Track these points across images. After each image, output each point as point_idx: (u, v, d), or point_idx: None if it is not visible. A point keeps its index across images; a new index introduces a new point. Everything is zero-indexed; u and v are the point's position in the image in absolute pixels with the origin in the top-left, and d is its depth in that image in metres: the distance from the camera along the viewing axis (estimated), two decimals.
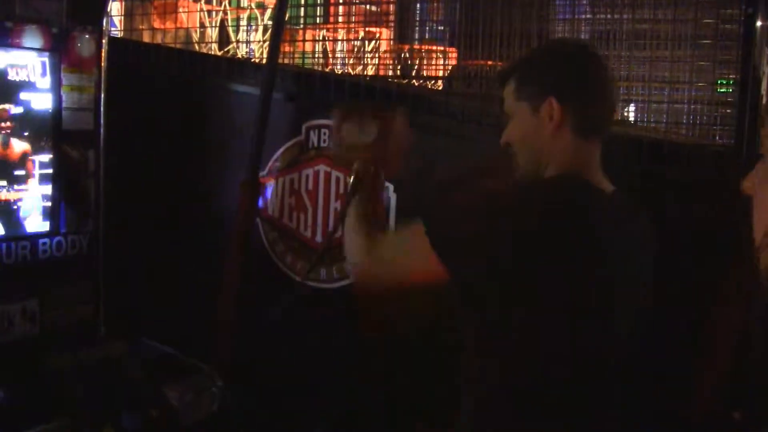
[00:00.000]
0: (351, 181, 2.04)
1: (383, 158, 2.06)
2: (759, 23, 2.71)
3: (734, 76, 3.12)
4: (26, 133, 2.95)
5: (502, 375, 1.73)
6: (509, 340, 1.69)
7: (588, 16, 4.18)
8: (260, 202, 3.60)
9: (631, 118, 3.97)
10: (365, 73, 5.09)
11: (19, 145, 2.93)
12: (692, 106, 3.39)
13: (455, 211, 1.75)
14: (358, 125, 2.04)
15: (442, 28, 4.89)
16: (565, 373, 1.71)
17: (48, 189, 3.03)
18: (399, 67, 5.05)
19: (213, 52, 5.00)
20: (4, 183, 2.90)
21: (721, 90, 3.34)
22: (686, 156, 2.88)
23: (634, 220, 1.85)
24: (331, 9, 5.02)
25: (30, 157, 2.97)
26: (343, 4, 4.87)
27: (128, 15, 4.74)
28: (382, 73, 5.06)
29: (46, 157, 3.02)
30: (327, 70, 4.69)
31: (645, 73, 3.60)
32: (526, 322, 1.67)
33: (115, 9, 4.58)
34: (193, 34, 5.38)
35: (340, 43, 5.11)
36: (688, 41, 3.43)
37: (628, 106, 4.04)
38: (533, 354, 1.69)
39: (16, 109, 2.91)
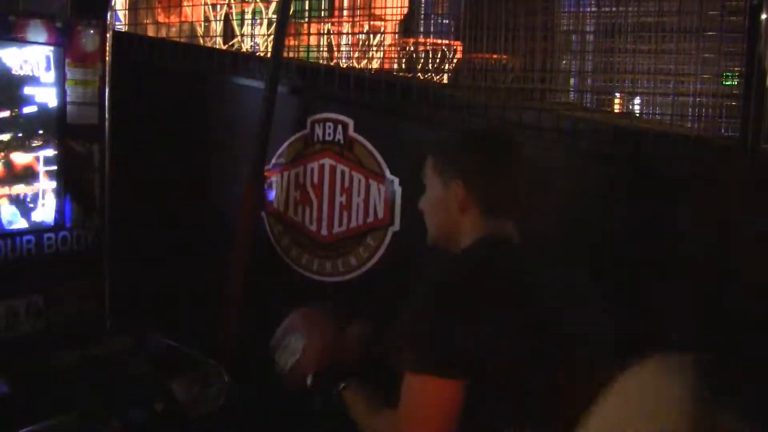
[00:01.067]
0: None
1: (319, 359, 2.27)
2: (764, 15, 2.69)
3: (740, 69, 3.10)
4: (30, 128, 2.95)
5: None
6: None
7: (593, 8, 4.17)
8: (265, 196, 3.60)
9: (637, 111, 3.96)
10: (370, 66, 5.09)
11: (23, 140, 2.93)
12: (697, 99, 3.38)
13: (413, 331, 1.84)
14: (291, 339, 2.31)
15: (447, 21, 4.87)
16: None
17: (53, 184, 3.04)
18: (404, 61, 5.04)
19: (217, 46, 4.99)
20: (8, 178, 2.90)
21: (727, 83, 3.33)
22: (691, 149, 2.86)
23: (529, 263, 2.00)
24: (336, 2, 5.02)
25: (34, 152, 2.97)
26: None
27: (132, 9, 4.75)
28: (387, 66, 5.06)
29: (50, 152, 3.02)
30: (332, 63, 4.68)
31: (650, 66, 3.59)
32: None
33: (120, 3, 4.59)
34: (198, 28, 5.38)
35: (344, 36, 5.10)
36: (693, 33, 3.41)
37: (633, 98, 4.03)
38: None
39: (20, 104, 2.91)
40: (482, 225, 1.97)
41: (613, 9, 3.96)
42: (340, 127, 3.43)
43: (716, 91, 3.31)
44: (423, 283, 1.88)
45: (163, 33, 4.68)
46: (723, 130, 3.34)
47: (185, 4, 5.42)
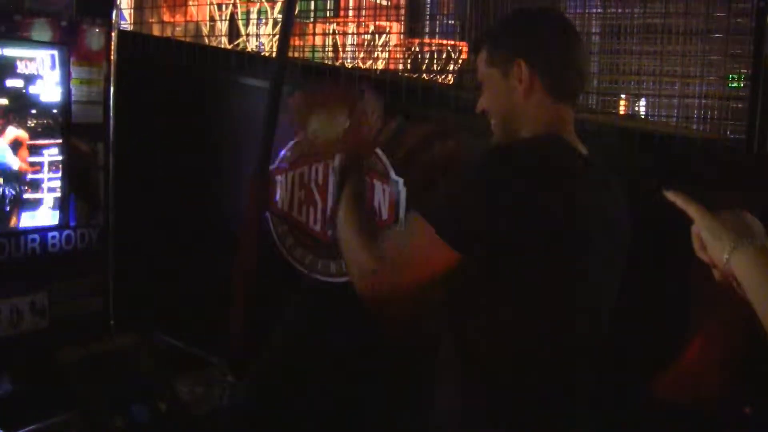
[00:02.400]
0: (335, 176, 1.97)
1: (361, 144, 2.01)
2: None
3: (746, 71, 3.10)
4: (35, 127, 2.95)
5: (499, 341, 1.73)
6: (511, 304, 1.70)
7: (599, 10, 4.16)
8: (270, 196, 3.60)
9: (642, 113, 3.95)
10: (375, 67, 5.09)
11: (28, 139, 2.93)
12: (703, 101, 3.38)
13: (448, 188, 1.76)
14: (327, 115, 1.97)
15: (453, 22, 4.87)
16: (558, 336, 1.73)
17: (57, 182, 3.04)
18: (409, 62, 5.04)
19: (223, 46, 5.00)
20: (13, 176, 2.90)
21: (733, 84, 3.32)
22: (697, 151, 2.86)
23: (609, 185, 1.87)
24: (342, 3, 5.02)
25: (39, 151, 2.97)
26: None
27: (138, 8, 4.75)
28: (392, 67, 5.05)
29: (55, 151, 3.02)
30: (337, 64, 4.68)
31: (656, 68, 3.59)
32: (525, 282, 1.68)
33: (125, 2, 4.59)
34: (203, 28, 5.38)
35: (350, 37, 5.10)
36: (699, 35, 3.41)
37: (639, 100, 4.03)
38: (533, 314, 1.70)
39: (25, 103, 2.91)
40: (547, 112, 1.84)
41: (619, 11, 3.95)
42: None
43: (722, 93, 3.30)
44: (477, 158, 1.75)
45: (168, 32, 4.68)
46: (728, 133, 3.33)
47: (191, 3, 5.43)
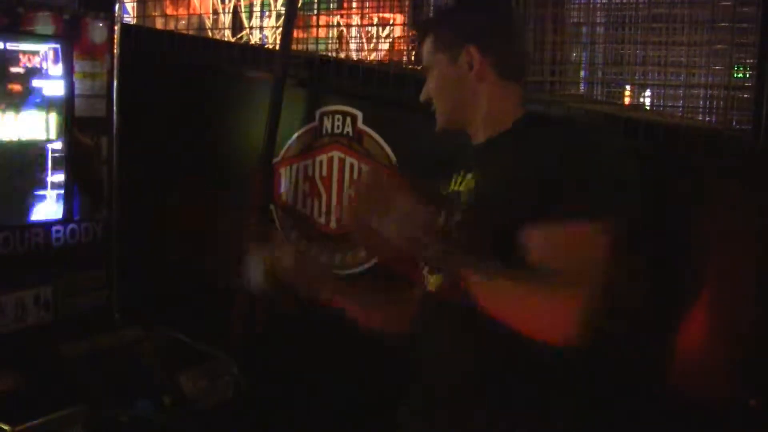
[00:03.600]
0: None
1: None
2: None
3: (752, 61, 3.07)
4: (39, 121, 2.95)
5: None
6: None
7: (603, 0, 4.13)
8: (274, 189, 3.59)
9: (647, 103, 3.93)
10: (379, 59, 5.07)
11: (32, 133, 2.93)
12: (709, 91, 3.36)
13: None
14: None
15: None
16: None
17: (61, 176, 3.04)
18: (413, 54, 5.02)
19: (226, 39, 4.99)
20: (18, 170, 2.91)
21: (739, 75, 3.29)
22: (703, 141, 2.84)
23: None
24: None
25: (43, 145, 2.97)
26: None
27: (141, 1, 4.74)
28: (396, 59, 5.04)
29: (59, 145, 3.02)
30: (341, 56, 4.67)
31: (661, 58, 3.56)
32: None
33: None
34: (206, 21, 5.37)
35: (353, 29, 5.09)
36: (705, 24, 3.38)
37: (645, 90, 4.00)
38: None
39: (28, 96, 2.91)
40: (501, 94, 1.84)
41: (623, 1, 3.93)
42: (349, 119, 3.42)
43: (728, 83, 3.28)
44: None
45: (171, 26, 4.67)
46: (734, 123, 3.31)
47: None
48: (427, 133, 2.03)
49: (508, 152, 1.79)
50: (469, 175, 1.85)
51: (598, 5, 4.16)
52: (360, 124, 3.37)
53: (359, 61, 4.50)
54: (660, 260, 2.65)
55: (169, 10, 4.97)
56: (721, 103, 3.32)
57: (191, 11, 5.24)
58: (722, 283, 2.59)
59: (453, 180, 1.90)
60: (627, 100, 4.48)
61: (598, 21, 4.14)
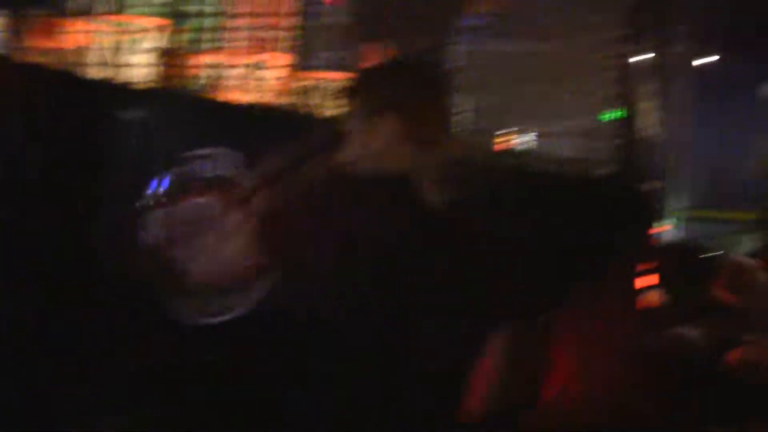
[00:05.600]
0: None
1: None
2: (636, 58, 2.77)
3: (619, 108, 3.17)
4: None
5: None
6: None
7: (481, 46, 4.20)
8: (142, 234, 3.46)
9: (521, 149, 4.00)
10: (257, 99, 5.00)
11: None
12: (580, 137, 3.44)
13: None
14: None
15: (336, 54, 4.86)
16: None
17: None
18: (295, 94, 4.99)
19: (98, 75, 4.83)
20: None
21: (606, 120, 3.39)
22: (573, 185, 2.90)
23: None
24: (224, 34, 4.93)
25: None
26: (235, 30, 4.79)
27: (12, 32, 4.56)
28: (274, 99, 4.98)
29: None
30: (217, 95, 4.59)
31: (535, 105, 3.64)
32: None
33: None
34: (79, 56, 5.20)
35: (230, 68, 5.02)
36: (576, 74, 3.48)
37: (518, 136, 4.07)
38: None
39: None
40: (415, 160, 1.83)
41: (500, 49, 4.01)
42: (222, 161, 3.34)
43: (597, 128, 3.37)
44: None
45: (44, 59, 4.51)
46: (604, 166, 3.40)
47: (67, 30, 5.26)
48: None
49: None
50: None
51: (475, 52, 4.23)
52: (234, 167, 3.30)
53: (237, 101, 4.44)
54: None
55: (42, 43, 4.79)
56: (592, 148, 3.40)
57: (65, 45, 5.06)
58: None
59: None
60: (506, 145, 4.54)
61: (478, 68, 4.21)
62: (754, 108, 13.60)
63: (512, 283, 1.85)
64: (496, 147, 3.83)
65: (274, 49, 4.86)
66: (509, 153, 3.72)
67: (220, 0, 4.98)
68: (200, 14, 4.62)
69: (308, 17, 4.86)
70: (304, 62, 4.75)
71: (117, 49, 5.45)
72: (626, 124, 3.18)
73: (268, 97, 5.04)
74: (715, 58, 12.04)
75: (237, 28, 4.85)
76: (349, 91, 1.90)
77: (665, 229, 5.85)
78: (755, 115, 13.40)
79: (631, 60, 2.98)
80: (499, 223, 1.84)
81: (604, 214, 2.78)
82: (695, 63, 8.91)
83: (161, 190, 3.45)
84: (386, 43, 4.24)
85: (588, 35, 3.50)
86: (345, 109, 1.88)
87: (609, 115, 3.07)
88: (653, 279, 3.24)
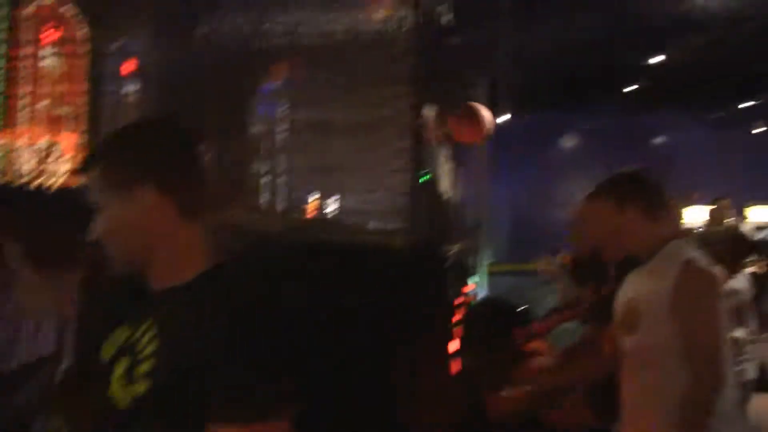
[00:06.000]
0: None
1: None
2: (425, 114, 2.85)
3: (419, 171, 3.23)
4: None
5: None
6: None
7: (283, 111, 4.21)
8: None
9: (312, 208, 4.01)
10: (50, 182, 4.77)
11: None
12: (370, 194, 3.48)
13: None
14: None
15: None
16: None
17: None
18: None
19: None
20: None
21: (406, 184, 3.43)
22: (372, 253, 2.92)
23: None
24: (11, 114, 4.72)
25: None
26: (25, 109, 4.59)
27: None
28: (68, 182, 4.78)
29: None
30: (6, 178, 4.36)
31: (335, 171, 3.67)
32: None
33: None
34: None
35: (21, 150, 4.78)
36: (375, 139, 3.53)
37: (307, 195, 4.06)
38: None
39: None
40: (180, 234, 1.63)
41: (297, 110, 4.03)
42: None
43: (387, 185, 3.43)
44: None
45: None
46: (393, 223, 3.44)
47: None
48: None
49: (183, 312, 1.63)
50: (146, 324, 1.67)
51: (277, 117, 4.24)
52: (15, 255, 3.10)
53: (24, 185, 4.22)
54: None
55: None
56: (382, 205, 3.45)
57: None
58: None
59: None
60: (312, 209, 4.55)
61: (279, 131, 4.21)
62: (552, 161, 14.43)
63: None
64: (292, 214, 3.82)
65: (64, 130, 4.68)
66: (305, 221, 3.71)
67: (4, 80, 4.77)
68: None
69: (101, 94, 4.72)
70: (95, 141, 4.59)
71: None
72: (427, 186, 3.25)
73: (63, 178, 4.83)
74: (508, 117, 12.71)
75: (24, 108, 4.65)
76: (100, 161, 1.66)
77: (473, 288, 6.01)
78: (554, 168, 14.22)
79: (426, 122, 3.05)
80: (281, 296, 1.74)
81: (406, 281, 2.80)
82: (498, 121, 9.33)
83: None
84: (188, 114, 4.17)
85: (383, 101, 3.57)
86: (97, 180, 1.63)
87: (409, 179, 3.11)
88: (464, 340, 3.32)
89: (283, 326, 1.53)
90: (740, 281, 4.47)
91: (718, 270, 2.54)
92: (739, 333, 4.23)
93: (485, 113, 3.08)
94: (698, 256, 2.52)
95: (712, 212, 6.57)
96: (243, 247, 2.79)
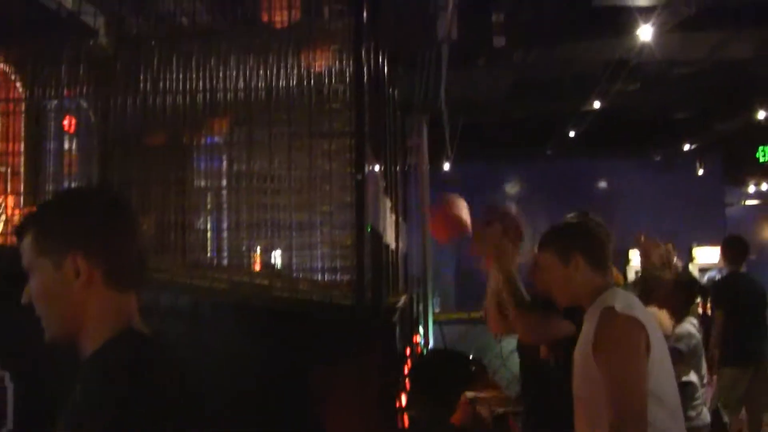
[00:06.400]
0: None
1: None
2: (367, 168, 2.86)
3: (362, 224, 3.23)
4: None
5: None
6: None
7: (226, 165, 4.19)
8: None
9: (257, 263, 3.98)
10: None
11: None
12: (315, 249, 3.47)
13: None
14: None
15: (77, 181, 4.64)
16: None
17: None
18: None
19: None
20: None
21: (337, 233, 3.44)
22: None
23: (176, 361, 1.76)
24: None
25: None
26: None
27: None
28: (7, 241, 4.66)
29: None
30: None
31: (271, 218, 3.65)
32: None
33: None
34: None
35: None
36: (319, 193, 3.52)
37: (252, 250, 4.03)
38: None
39: None
40: (112, 304, 1.65)
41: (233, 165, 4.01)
42: None
43: (336, 240, 3.42)
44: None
45: None
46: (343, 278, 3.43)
47: None
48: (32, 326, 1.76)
49: (77, 383, 1.59)
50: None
51: (220, 171, 4.21)
52: None
53: None
54: None
55: None
56: (331, 262, 3.44)
57: None
58: None
59: None
60: (257, 264, 4.50)
61: (222, 186, 4.18)
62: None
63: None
64: (237, 270, 3.78)
65: (2, 189, 4.58)
66: (251, 276, 3.67)
67: None
68: None
69: (40, 153, 4.65)
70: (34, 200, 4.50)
71: None
72: (372, 240, 3.25)
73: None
74: (451, 165, 12.83)
75: None
76: (31, 227, 1.68)
77: (420, 338, 6.01)
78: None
79: (369, 175, 3.05)
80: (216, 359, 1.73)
81: (352, 336, 2.79)
82: (431, 173, 9.43)
83: None
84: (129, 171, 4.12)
85: (325, 155, 3.59)
86: (28, 246, 1.67)
87: (353, 233, 3.11)
88: (413, 391, 3.30)
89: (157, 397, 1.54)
90: (691, 325, 4.51)
91: (644, 314, 2.57)
92: (692, 377, 4.26)
93: (463, 210, 3.10)
94: (624, 301, 2.57)
95: (657, 255, 6.66)
96: (184, 307, 2.76)
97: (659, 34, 7.49)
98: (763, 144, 12.81)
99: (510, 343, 5.32)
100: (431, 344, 7.58)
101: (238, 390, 2.71)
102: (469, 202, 3.33)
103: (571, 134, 12.91)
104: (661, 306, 4.16)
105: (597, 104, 10.77)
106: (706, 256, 12.56)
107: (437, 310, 9.02)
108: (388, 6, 5.43)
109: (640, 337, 2.49)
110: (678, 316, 4.40)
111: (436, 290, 9.82)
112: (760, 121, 11.19)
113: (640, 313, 2.56)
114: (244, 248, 4.06)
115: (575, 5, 7.40)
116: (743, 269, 6.25)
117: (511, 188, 15.17)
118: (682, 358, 4.13)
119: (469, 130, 11.50)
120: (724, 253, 6.33)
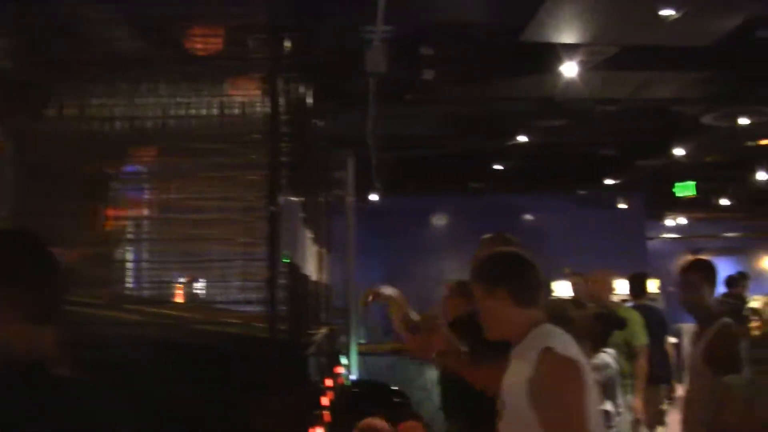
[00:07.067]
0: None
1: None
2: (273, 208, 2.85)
3: (267, 252, 3.21)
4: None
5: None
6: None
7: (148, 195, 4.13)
8: None
9: (176, 295, 3.93)
10: None
11: None
12: (232, 281, 3.45)
13: None
14: None
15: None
16: None
17: None
18: None
19: None
20: None
21: (254, 265, 3.42)
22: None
23: (98, 399, 1.78)
24: None
25: None
26: None
27: None
28: None
29: None
30: None
31: (189, 249, 3.61)
32: None
33: None
34: None
35: None
36: (239, 225, 3.50)
37: (171, 282, 3.97)
38: None
39: None
40: (27, 339, 1.68)
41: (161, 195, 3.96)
42: None
43: (253, 272, 3.39)
44: None
45: None
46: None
47: None
48: None
49: None
50: None
51: (141, 202, 4.15)
52: None
53: None
54: None
55: None
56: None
57: None
58: None
59: None
60: (176, 296, 4.43)
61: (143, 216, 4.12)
62: (423, 241, 14.64)
63: None
64: (155, 302, 3.72)
65: None
66: (168, 308, 3.62)
67: None
68: None
69: None
70: None
71: None
72: (290, 271, 3.23)
73: None
74: (377, 197, 12.87)
75: None
76: None
77: (342, 370, 5.97)
78: (425, 247, 14.41)
79: (286, 207, 3.04)
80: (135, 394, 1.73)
81: (268, 368, 2.76)
82: (357, 203, 9.44)
83: None
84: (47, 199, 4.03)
85: (242, 187, 3.57)
86: None
87: (270, 265, 3.09)
88: (334, 423, 3.27)
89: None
90: (607, 356, 4.61)
91: (578, 352, 2.53)
92: (608, 406, 4.34)
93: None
94: (560, 342, 2.52)
95: (586, 287, 6.83)
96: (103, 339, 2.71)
97: (584, 71, 7.64)
98: (679, 180, 13.17)
99: (434, 374, 5.34)
100: (354, 376, 7.54)
101: (149, 425, 2.66)
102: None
103: (499, 168, 13.08)
104: (579, 337, 4.22)
105: (524, 139, 10.92)
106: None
107: (361, 341, 8.98)
108: (315, 38, 5.45)
109: (581, 380, 2.43)
110: (595, 347, 4.48)
111: (363, 322, 9.78)
112: (678, 158, 11.51)
113: (576, 352, 2.51)
114: (164, 280, 3.99)
115: (502, 41, 7.51)
116: (646, 301, 7.34)
117: (438, 221, 15.26)
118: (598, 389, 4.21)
119: (397, 162, 11.56)
120: (630, 288, 7.44)
